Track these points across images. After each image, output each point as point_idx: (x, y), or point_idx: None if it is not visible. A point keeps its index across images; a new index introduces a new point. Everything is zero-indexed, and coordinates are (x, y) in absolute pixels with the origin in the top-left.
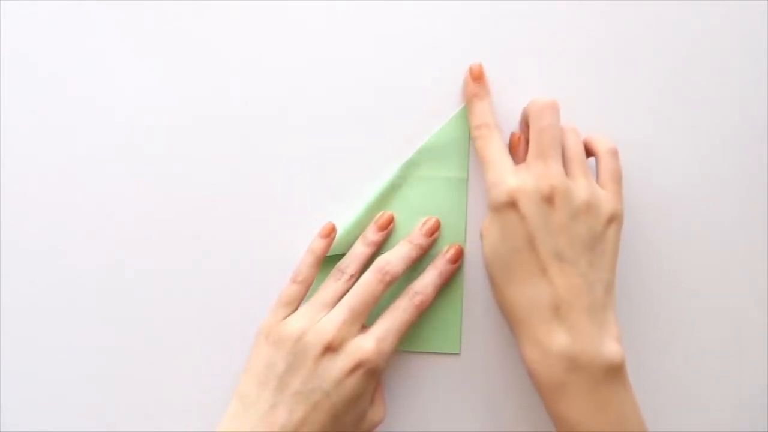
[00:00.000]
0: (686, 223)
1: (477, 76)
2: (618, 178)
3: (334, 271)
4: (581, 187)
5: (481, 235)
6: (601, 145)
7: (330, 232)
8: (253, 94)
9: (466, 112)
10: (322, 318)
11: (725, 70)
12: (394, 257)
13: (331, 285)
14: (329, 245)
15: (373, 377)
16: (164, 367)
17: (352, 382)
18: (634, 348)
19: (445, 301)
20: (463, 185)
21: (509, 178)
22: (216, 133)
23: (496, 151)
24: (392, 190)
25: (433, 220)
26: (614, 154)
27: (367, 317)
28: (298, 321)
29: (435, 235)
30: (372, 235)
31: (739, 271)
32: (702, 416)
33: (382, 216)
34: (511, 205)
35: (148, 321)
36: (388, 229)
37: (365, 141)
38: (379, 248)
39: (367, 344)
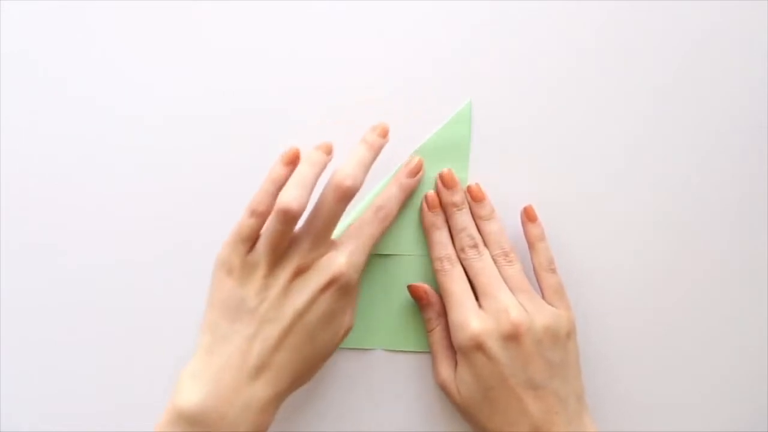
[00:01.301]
0: (686, 222)
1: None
2: (562, 292)
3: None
4: (538, 314)
5: (448, 383)
6: (538, 263)
7: (294, 159)
8: (253, 94)
9: (467, 112)
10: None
11: (725, 71)
12: (347, 166)
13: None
14: (291, 173)
15: (346, 292)
16: (164, 367)
17: (326, 298)
18: (634, 348)
19: None
20: (462, 185)
21: (472, 320)
22: (216, 132)
23: (458, 288)
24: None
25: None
26: (552, 270)
27: (331, 235)
28: (262, 252)
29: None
30: (321, 157)
31: (739, 271)
32: (702, 416)
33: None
34: (478, 348)
35: (149, 321)
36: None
37: None
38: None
39: (339, 259)
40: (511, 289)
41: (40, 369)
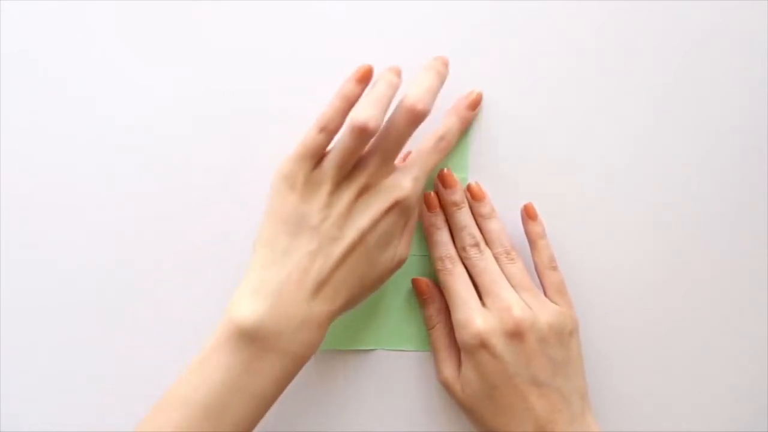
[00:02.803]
0: (686, 221)
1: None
2: (564, 289)
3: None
4: (541, 311)
5: (451, 381)
6: (539, 261)
7: (366, 76)
8: (253, 94)
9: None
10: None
11: (725, 71)
12: (418, 91)
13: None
14: (363, 91)
15: (406, 215)
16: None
17: (388, 220)
18: (634, 347)
19: None
20: (463, 185)
21: (476, 318)
22: (216, 132)
23: (461, 287)
24: None
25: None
26: (554, 267)
27: (397, 157)
28: (329, 169)
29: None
30: (394, 78)
31: (739, 271)
32: (702, 416)
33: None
34: (482, 346)
35: (150, 321)
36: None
37: None
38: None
39: (404, 182)
40: (513, 287)
41: (40, 369)
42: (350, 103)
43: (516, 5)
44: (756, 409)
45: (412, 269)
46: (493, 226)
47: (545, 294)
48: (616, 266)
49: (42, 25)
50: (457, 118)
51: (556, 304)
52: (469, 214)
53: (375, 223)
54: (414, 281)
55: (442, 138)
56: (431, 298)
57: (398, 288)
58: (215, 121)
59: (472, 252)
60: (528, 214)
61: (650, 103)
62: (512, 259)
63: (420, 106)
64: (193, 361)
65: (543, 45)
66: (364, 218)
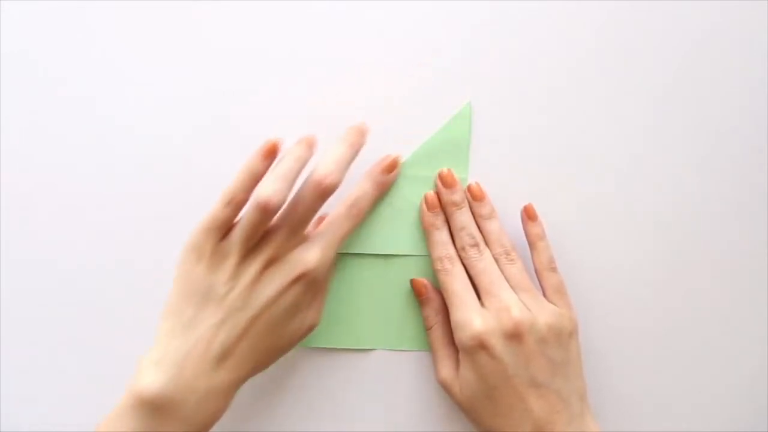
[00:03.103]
0: (686, 221)
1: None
2: (563, 290)
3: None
4: (540, 312)
5: (449, 381)
6: (539, 262)
7: (272, 152)
8: (253, 94)
9: (467, 112)
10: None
11: (725, 71)
12: (327, 165)
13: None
14: (269, 166)
15: (314, 286)
16: None
17: (293, 292)
18: (634, 348)
19: None
20: (463, 185)
21: (475, 319)
22: (215, 133)
23: (459, 287)
24: (392, 189)
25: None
26: (553, 269)
27: (305, 230)
28: (236, 240)
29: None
30: (304, 151)
31: (739, 271)
32: (702, 416)
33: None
34: (481, 347)
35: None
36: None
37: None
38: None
39: (311, 255)
40: (512, 288)
41: (40, 369)
42: (256, 178)
43: (516, 5)
44: (756, 409)
45: (411, 269)
46: (492, 226)
47: (544, 295)
48: (616, 266)
49: (42, 25)
50: (371, 183)
51: (555, 305)
52: (469, 214)
53: (280, 295)
54: (412, 282)
55: (353, 205)
56: (429, 298)
57: (398, 288)
58: (215, 121)
59: (472, 252)
60: (528, 215)
61: (650, 103)
62: (512, 260)
63: (328, 180)
64: (97, 427)
65: (543, 45)
66: (268, 291)
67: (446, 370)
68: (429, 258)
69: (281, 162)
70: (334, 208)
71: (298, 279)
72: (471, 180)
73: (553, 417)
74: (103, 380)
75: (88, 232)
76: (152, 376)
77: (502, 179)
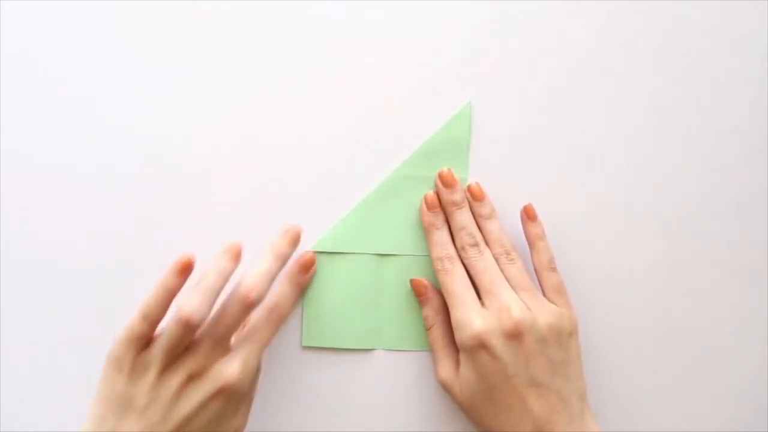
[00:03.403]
0: (686, 221)
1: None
2: (563, 290)
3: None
4: (541, 312)
5: (449, 381)
6: (539, 262)
7: (186, 269)
8: (253, 94)
9: (467, 112)
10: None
11: (725, 71)
12: (253, 279)
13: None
14: (184, 282)
15: (237, 398)
16: None
17: (215, 405)
18: (633, 347)
19: None
20: (463, 185)
21: (475, 319)
22: (215, 133)
23: (459, 287)
24: (391, 189)
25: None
26: (553, 268)
27: (229, 341)
28: (157, 353)
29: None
30: (226, 263)
31: (739, 271)
32: (702, 416)
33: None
34: (481, 346)
35: None
36: (239, 260)
37: (365, 140)
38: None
39: (231, 369)
40: (513, 288)
41: (40, 369)
42: (171, 294)
43: (516, 5)
44: (756, 409)
45: (411, 269)
46: (492, 226)
47: (544, 294)
48: (616, 266)
49: (42, 25)
50: (290, 284)
51: (555, 305)
52: (469, 214)
53: (201, 409)
54: (412, 282)
55: (272, 309)
56: (429, 298)
57: (398, 288)
58: (215, 121)
59: (472, 252)
60: (528, 215)
61: (650, 103)
62: (512, 260)
63: (252, 295)
64: None
65: (543, 45)
66: (188, 405)
67: (446, 370)
68: (429, 258)
69: (204, 277)
70: (254, 313)
71: (219, 393)
72: (471, 180)
73: (553, 417)
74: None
75: (88, 232)
76: None
77: (502, 179)
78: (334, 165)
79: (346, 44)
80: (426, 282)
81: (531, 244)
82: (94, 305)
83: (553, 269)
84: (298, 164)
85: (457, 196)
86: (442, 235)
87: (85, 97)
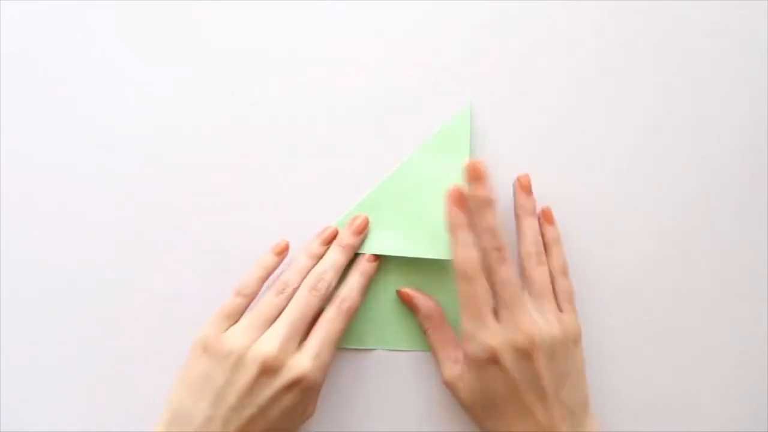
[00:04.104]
0: (687, 222)
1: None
2: (571, 297)
3: (277, 284)
4: (553, 325)
5: (454, 382)
6: (552, 267)
7: (283, 250)
8: (252, 95)
9: (467, 112)
10: (262, 335)
11: (725, 71)
12: (324, 268)
13: (273, 300)
14: (280, 263)
15: (309, 392)
16: (164, 368)
17: (289, 398)
18: (634, 348)
19: (449, 301)
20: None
21: (488, 333)
22: (215, 133)
23: (477, 296)
24: (392, 189)
25: (362, 218)
26: (565, 274)
27: (305, 331)
28: (239, 336)
29: (364, 233)
30: (316, 247)
31: (739, 272)
32: (702, 416)
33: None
34: (493, 361)
35: (149, 321)
36: (329, 244)
37: (365, 140)
38: (319, 259)
39: (304, 363)
40: (533, 294)
41: (40, 369)
42: (268, 272)
43: (516, 5)
44: (756, 409)
45: (411, 270)
46: (531, 222)
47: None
48: (616, 266)
49: (42, 25)
50: (358, 274)
51: (563, 311)
52: (497, 213)
53: (274, 400)
54: (398, 293)
55: (344, 300)
56: (417, 306)
57: (398, 288)
58: (215, 121)
59: (495, 257)
60: (546, 218)
61: (650, 103)
62: (542, 261)
63: (322, 285)
64: None
65: (543, 45)
66: (263, 395)
67: (448, 371)
68: (429, 259)
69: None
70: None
71: (291, 386)
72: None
73: (558, 424)
74: (103, 380)
75: (88, 233)
76: None
77: (502, 179)
78: (334, 165)
79: (346, 44)
80: (411, 292)
81: (546, 247)
82: (94, 305)
83: (566, 274)
84: (297, 164)
85: (485, 192)
86: (467, 237)
87: (85, 97)
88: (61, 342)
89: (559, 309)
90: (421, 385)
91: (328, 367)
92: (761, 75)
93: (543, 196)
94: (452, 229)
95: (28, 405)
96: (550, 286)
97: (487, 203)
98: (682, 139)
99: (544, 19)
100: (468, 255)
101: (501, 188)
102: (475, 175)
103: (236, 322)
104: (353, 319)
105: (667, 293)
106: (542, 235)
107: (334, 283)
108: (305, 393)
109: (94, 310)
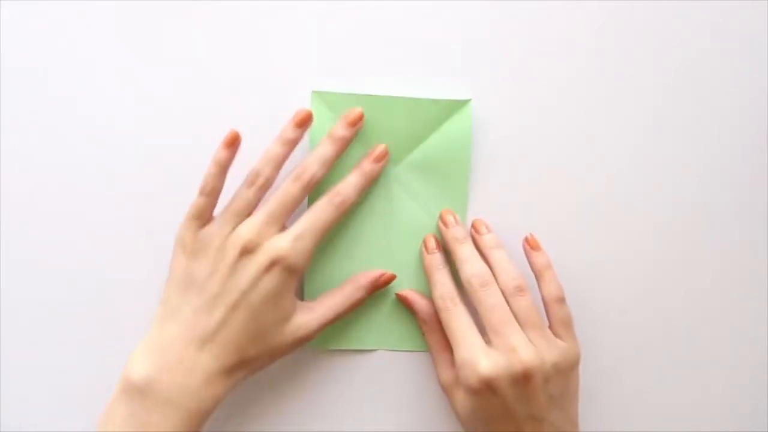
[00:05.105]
0: (686, 225)
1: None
2: (570, 324)
3: (248, 175)
4: (548, 354)
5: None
6: (547, 294)
7: (233, 141)
8: (252, 95)
9: (467, 112)
10: (237, 225)
11: (725, 71)
12: (310, 159)
13: (243, 192)
14: (234, 154)
15: (290, 275)
16: None
17: (269, 279)
18: (634, 349)
19: None
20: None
21: (482, 360)
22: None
23: (462, 326)
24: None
25: (357, 110)
26: (561, 301)
27: (286, 220)
28: (215, 229)
29: (358, 125)
30: (289, 132)
31: (738, 273)
32: (702, 416)
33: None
34: (488, 389)
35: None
36: (306, 126)
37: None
38: (295, 146)
39: (282, 242)
40: (521, 324)
41: (40, 369)
42: (224, 167)
43: (516, 5)
44: (756, 409)
45: (411, 270)
46: (500, 255)
47: (550, 326)
48: (616, 266)
49: (42, 26)
50: (360, 172)
51: (561, 338)
52: (473, 247)
53: (255, 282)
54: (397, 296)
55: (337, 194)
56: (416, 310)
57: (398, 288)
58: (215, 121)
59: (478, 285)
60: (531, 246)
61: (650, 103)
62: (522, 294)
63: (306, 175)
64: (100, 414)
65: (543, 45)
66: (243, 277)
67: (445, 375)
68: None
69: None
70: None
71: (270, 266)
72: (472, 180)
73: None
74: (102, 380)
75: (88, 232)
76: (138, 361)
77: (502, 179)
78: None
79: (346, 44)
80: (410, 295)
81: (538, 275)
82: (94, 305)
83: (562, 300)
84: (297, 164)
85: (459, 231)
86: (443, 275)
87: (85, 97)
88: (61, 342)
89: (557, 336)
90: (421, 385)
91: (310, 254)
92: (761, 75)
93: (543, 196)
94: (428, 271)
95: (28, 405)
96: (537, 315)
97: (461, 240)
98: (682, 139)
99: (544, 19)
100: (445, 290)
101: (501, 187)
102: (447, 221)
103: (207, 221)
104: (353, 320)
105: (667, 293)
106: (531, 264)
107: (319, 175)
108: (285, 275)
109: (94, 310)
